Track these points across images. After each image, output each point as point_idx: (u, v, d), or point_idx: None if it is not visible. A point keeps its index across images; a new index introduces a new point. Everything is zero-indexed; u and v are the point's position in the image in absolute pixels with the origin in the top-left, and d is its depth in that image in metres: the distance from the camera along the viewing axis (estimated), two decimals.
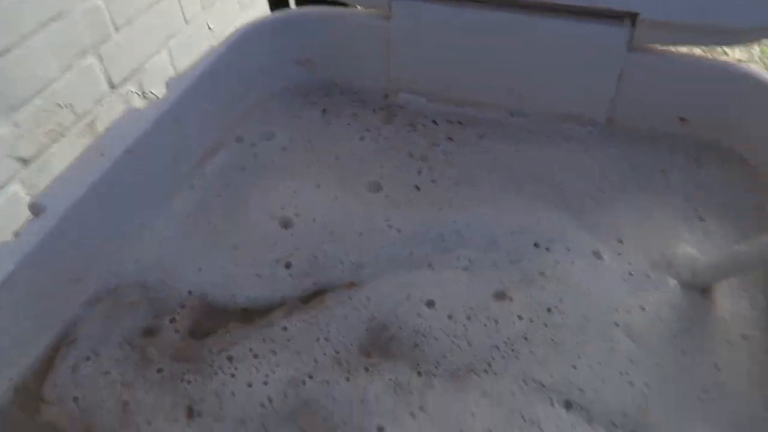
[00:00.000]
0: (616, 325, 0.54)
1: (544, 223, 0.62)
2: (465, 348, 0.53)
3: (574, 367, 0.51)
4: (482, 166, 0.69)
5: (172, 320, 0.56)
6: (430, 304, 0.56)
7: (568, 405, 0.49)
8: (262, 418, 0.49)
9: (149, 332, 0.55)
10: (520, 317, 0.55)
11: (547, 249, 0.60)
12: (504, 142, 0.71)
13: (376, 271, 0.59)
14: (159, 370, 0.52)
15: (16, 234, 0.52)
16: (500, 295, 0.57)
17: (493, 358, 0.52)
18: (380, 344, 0.53)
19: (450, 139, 0.73)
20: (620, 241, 0.60)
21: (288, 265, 0.60)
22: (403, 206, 0.66)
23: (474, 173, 0.68)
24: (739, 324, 0.53)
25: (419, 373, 0.51)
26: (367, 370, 0.51)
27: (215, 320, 0.56)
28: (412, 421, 0.48)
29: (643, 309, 0.55)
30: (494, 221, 0.63)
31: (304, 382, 0.51)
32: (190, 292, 0.59)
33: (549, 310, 0.55)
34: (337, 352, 0.53)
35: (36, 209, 0.54)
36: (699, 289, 0.56)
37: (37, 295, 0.53)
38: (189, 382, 0.51)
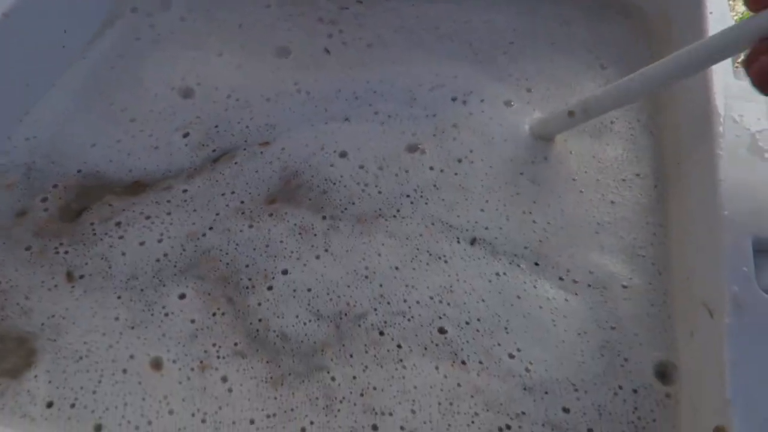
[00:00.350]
0: (521, 174, 0.55)
1: (461, 78, 0.62)
2: (374, 195, 0.53)
3: (482, 210, 0.53)
4: (394, 26, 0.67)
5: (44, 200, 0.54)
6: (343, 154, 0.56)
7: (473, 241, 0.51)
8: (158, 271, 0.48)
9: (20, 214, 0.53)
10: (431, 168, 0.56)
11: (464, 102, 0.60)
12: (414, 1, 0.69)
13: (289, 129, 0.58)
14: (27, 248, 0.50)
15: None
16: (413, 148, 0.57)
17: (401, 204, 0.53)
18: (288, 191, 0.53)
19: (359, 1, 0.70)
20: (529, 91, 0.61)
21: (186, 135, 0.58)
22: (314, 69, 0.64)
23: (386, 34, 0.67)
24: (634, 165, 0.56)
25: (324, 218, 0.52)
26: (271, 215, 0.51)
27: (97, 195, 0.54)
28: (317, 263, 0.49)
29: (546, 159, 0.57)
30: (410, 79, 0.62)
31: (204, 235, 0.50)
32: (79, 171, 0.55)
33: (460, 160, 0.56)
34: (242, 203, 0.52)
35: None
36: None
37: None
38: (66, 252, 0.50)
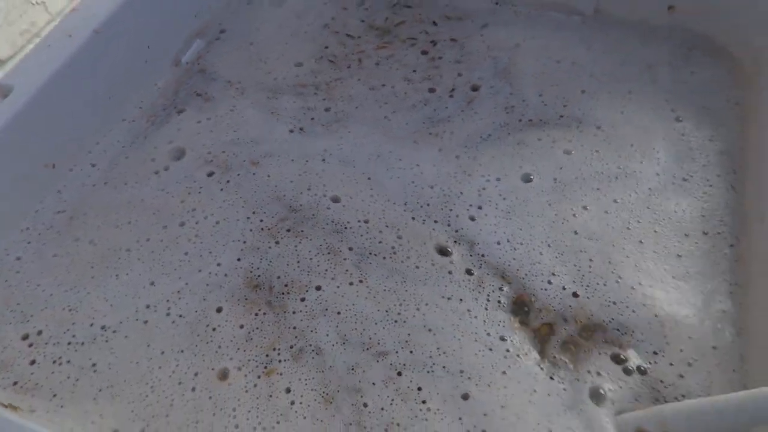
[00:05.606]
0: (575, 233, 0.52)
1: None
2: None
3: None
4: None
5: None
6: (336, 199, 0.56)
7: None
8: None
9: None
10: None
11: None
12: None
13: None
14: None
15: None
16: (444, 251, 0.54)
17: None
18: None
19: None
20: (597, 151, 0.58)
21: None
22: None
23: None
24: (699, 222, 0.51)
25: (351, 249, 0.52)
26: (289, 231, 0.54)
27: None
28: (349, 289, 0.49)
29: (607, 212, 0.53)
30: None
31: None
32: None
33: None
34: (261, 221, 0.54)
35: (3, 90, 0.54)
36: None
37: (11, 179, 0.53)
38: None
